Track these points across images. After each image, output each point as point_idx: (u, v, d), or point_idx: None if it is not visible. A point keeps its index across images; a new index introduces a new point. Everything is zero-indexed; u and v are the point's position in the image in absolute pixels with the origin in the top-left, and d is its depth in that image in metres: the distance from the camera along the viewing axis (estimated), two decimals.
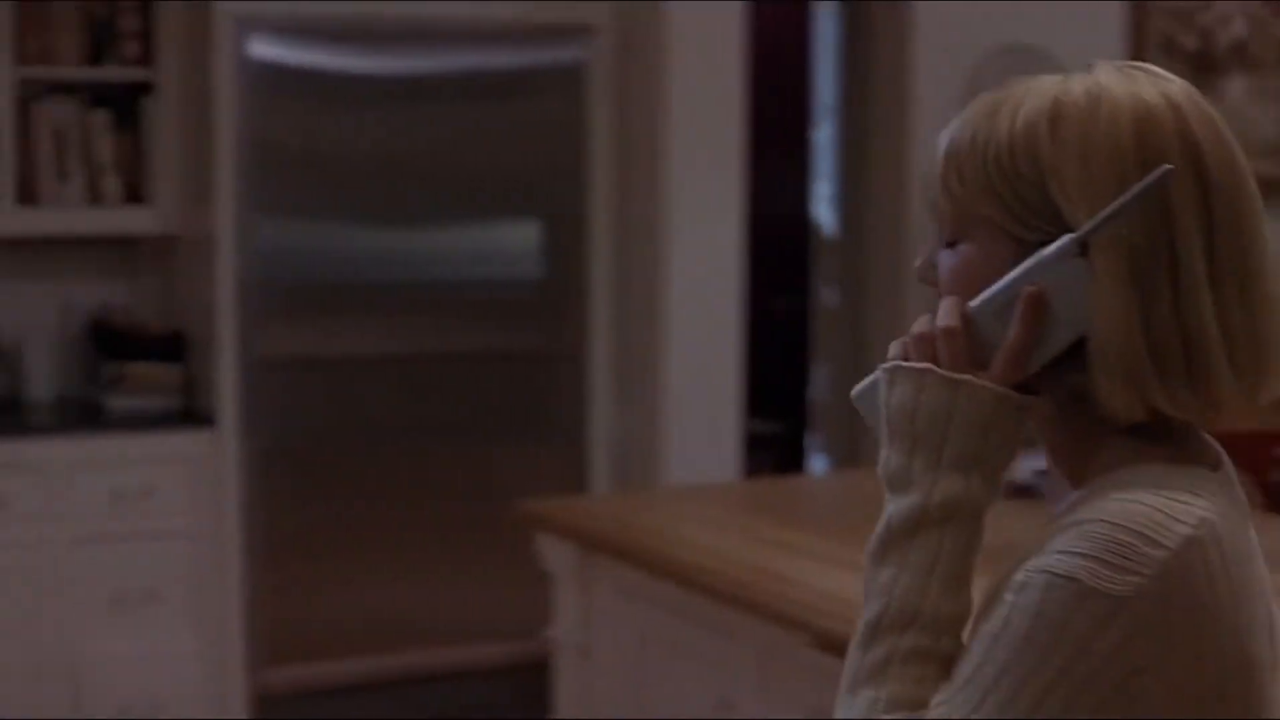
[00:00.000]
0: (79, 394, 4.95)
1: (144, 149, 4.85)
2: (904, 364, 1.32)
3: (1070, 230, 1.29)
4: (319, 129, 4.92)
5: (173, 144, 4.84)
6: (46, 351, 4.88)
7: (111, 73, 4.82)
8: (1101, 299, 1.28)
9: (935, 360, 1.31)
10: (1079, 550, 1.22)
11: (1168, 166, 1.27)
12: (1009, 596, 1.23)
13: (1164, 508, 1.23)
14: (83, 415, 4.81)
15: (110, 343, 4.89)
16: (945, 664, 1.26)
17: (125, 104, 4.81)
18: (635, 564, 3.38)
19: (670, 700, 3.37)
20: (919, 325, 1.33)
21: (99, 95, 4.81)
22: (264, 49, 4.78)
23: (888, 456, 1.32)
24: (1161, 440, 1.32)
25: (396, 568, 5.05)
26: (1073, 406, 1.32)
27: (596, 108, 5.13)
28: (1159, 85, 1.33)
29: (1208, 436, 1.37)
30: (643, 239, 5.11)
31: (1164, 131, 1.30)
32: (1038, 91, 1.34)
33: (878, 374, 1.36)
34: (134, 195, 4.85)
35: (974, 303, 1.33)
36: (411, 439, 5.09)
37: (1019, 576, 1.24)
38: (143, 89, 4.82)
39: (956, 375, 1.29)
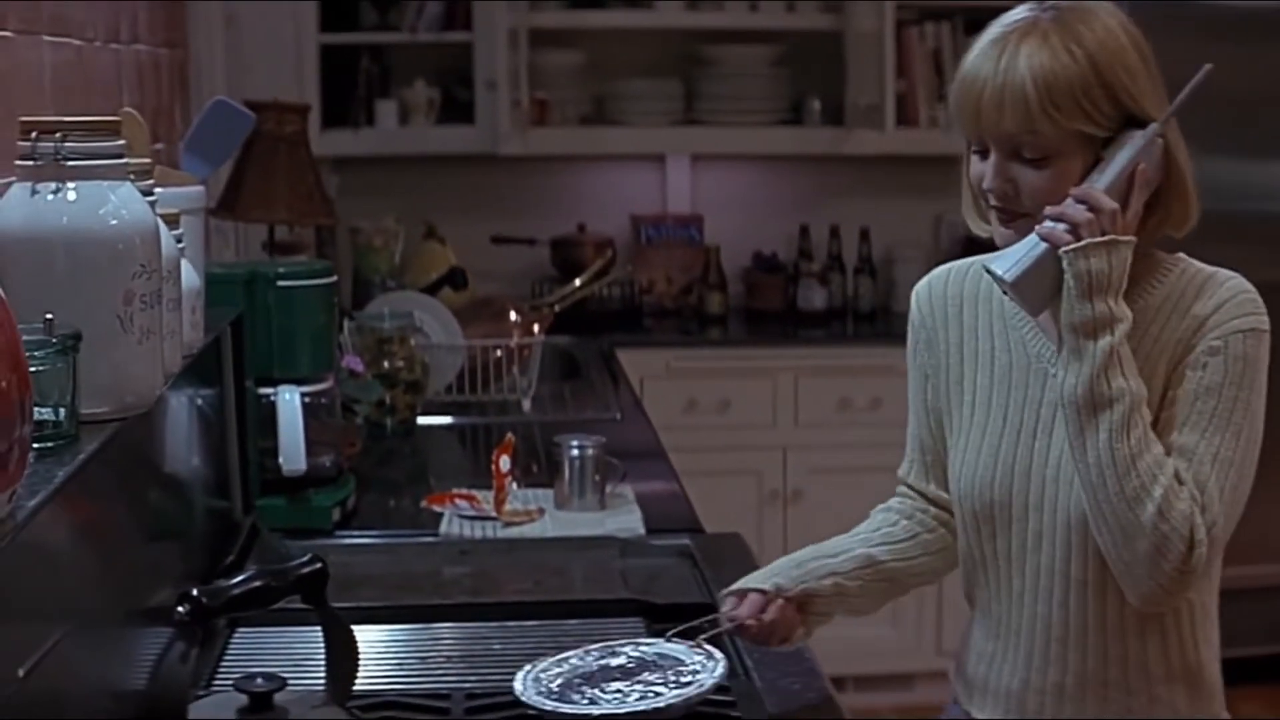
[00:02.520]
0: None
1: None
2: (1094, 240, 1.84)
3: (1136, 121, 1.88)
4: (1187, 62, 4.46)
5: None
6: (919, 265, 5.04)
7: None
8: (1175, 162, 1.91)
9: (1103, 232, 1.85)
10: (1246, 312, 1.90)
11: (1209, 66, 1.91)
12: (1209, 359, 1.88)
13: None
14: None
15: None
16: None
17: None
18: None
19: None
20: (1078, 212, 1.84)
21: (973, 20, 4.81)
22: None
23: (1086, 307, 1.84)
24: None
25: None
26: (1138, 233, 1.90)
27: None
28: (1116, 14, 1.92)
29: None
30: None
31: (1145, 44, 1.91)
32: (1074, 21, 1.87)
33: (1038, 255, 1.87)
34: None
35: (1101, 185, 1.86)
36: None
37: (1212, 343, 1.88)
38: None
39: (1124, 238, 1.86)
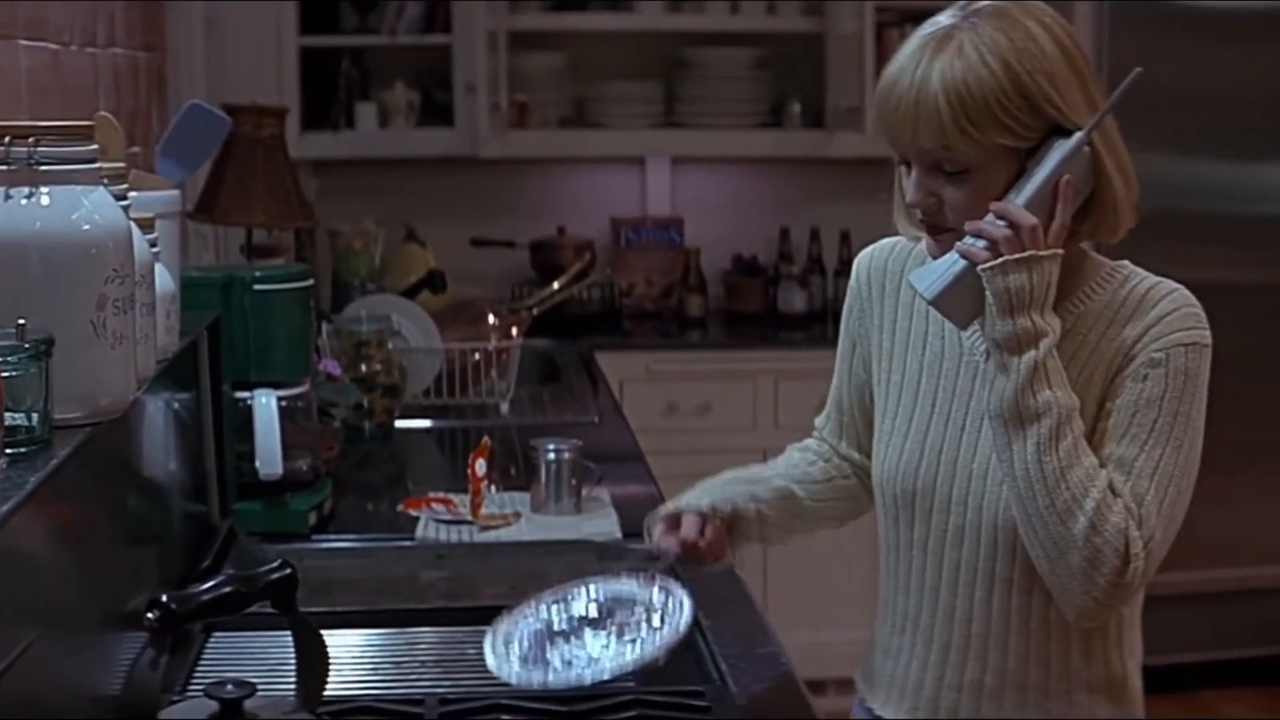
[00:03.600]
0: None
1: None
2: (1012, 257, 1.79)
3: (1059, 129, 1.81)
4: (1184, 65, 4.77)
5: None
6: None
7: None
8: (1105, 170, 1.84)
9: (1023, 248, 1.80)
10: (1189, 325, 1.86)
11: (1139, 70, 1.82)
12: (1150, 371, 1.84)
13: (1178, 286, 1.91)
14: None
15: None
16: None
17: None
18: None
19: None
20: (996, 229, 1.80)
21: None
22: None
23: (1008, 324, 1.80)
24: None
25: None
26: (1067, 243, 1.85)
27: None
28: (1044, 14, 1.85)
29: None
30: None
31: (1072, 44, 1.84)
32: (984, 27, 1.79)
33: (958, 271, 1.84)
34: None
35: (1021, 199, 1.81)
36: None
37: (1153, 355, 1.84)
38: None
39: (1045, 253, 1.81)
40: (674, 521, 2.06)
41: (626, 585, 1.96)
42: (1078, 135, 1.82)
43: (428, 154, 5.15)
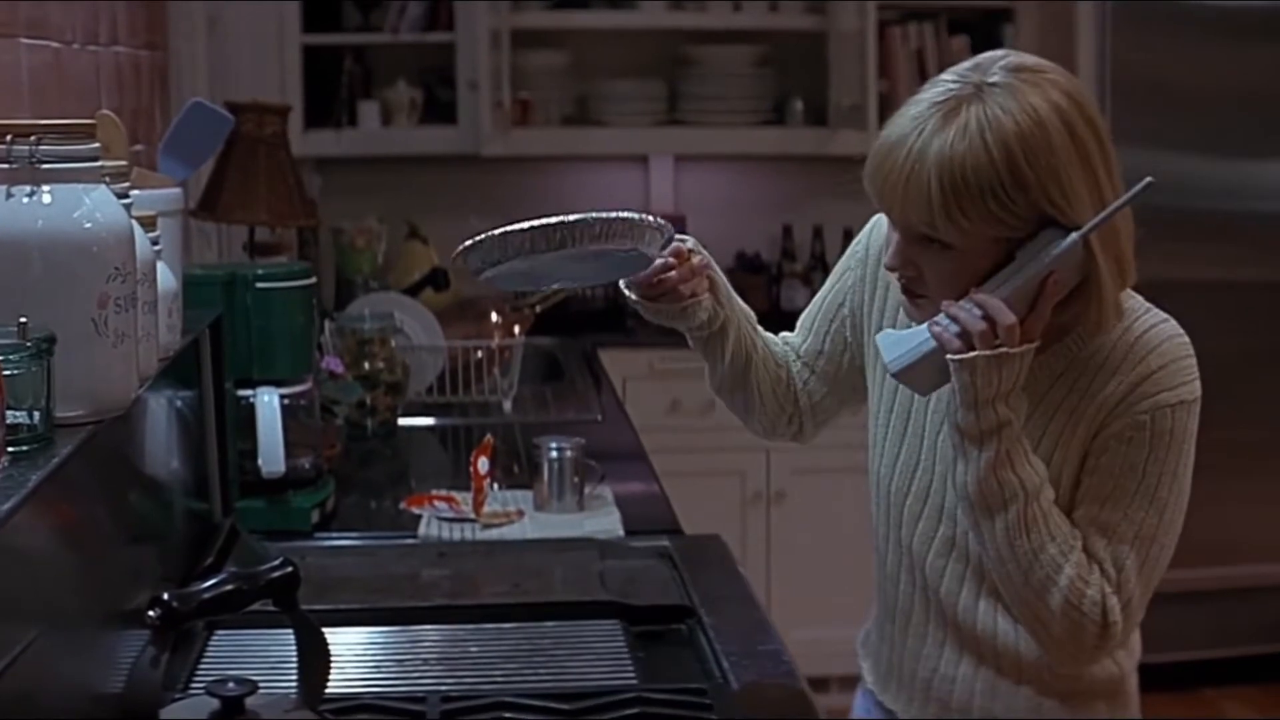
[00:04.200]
0: None
1: None
2: (983, 353, 1.74)
3: (1051, 221, 1.73)
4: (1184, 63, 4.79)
5: None
6: None
7: None
8: (1098, 267, 1.75)
9: (997, 343, 1.74)
10: (1178, 383, 1.81)
11: (1150, 180, 1.74)
12: (1134, 434, 1.79)
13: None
14: None
15: None
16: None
17: (983, 30, 4.80)
18: None
19: None
20: (971, 321, 1.74)
21: (956, 20, 4.83)
22: None
23: (971, 416, 1.76)
24: None
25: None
26: (1047, 332, 1.80)
27: None
28: (1057, 87, 1.74)
29: None
30: None
31: (1087, 127, 1.74)
32: (993, 104, 1.72)
33: (926, 350, 1.80)
34: None
35: (1004, 293, 1.75)
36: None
37: (1138, 417, 1.79)
38: (1003, 15, 4.78)
39: (1017, 350, 1.75)
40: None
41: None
42: (1073, 236, 1.74)
43: (430, 152, 5.16)
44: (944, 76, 1.78)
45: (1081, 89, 1.79)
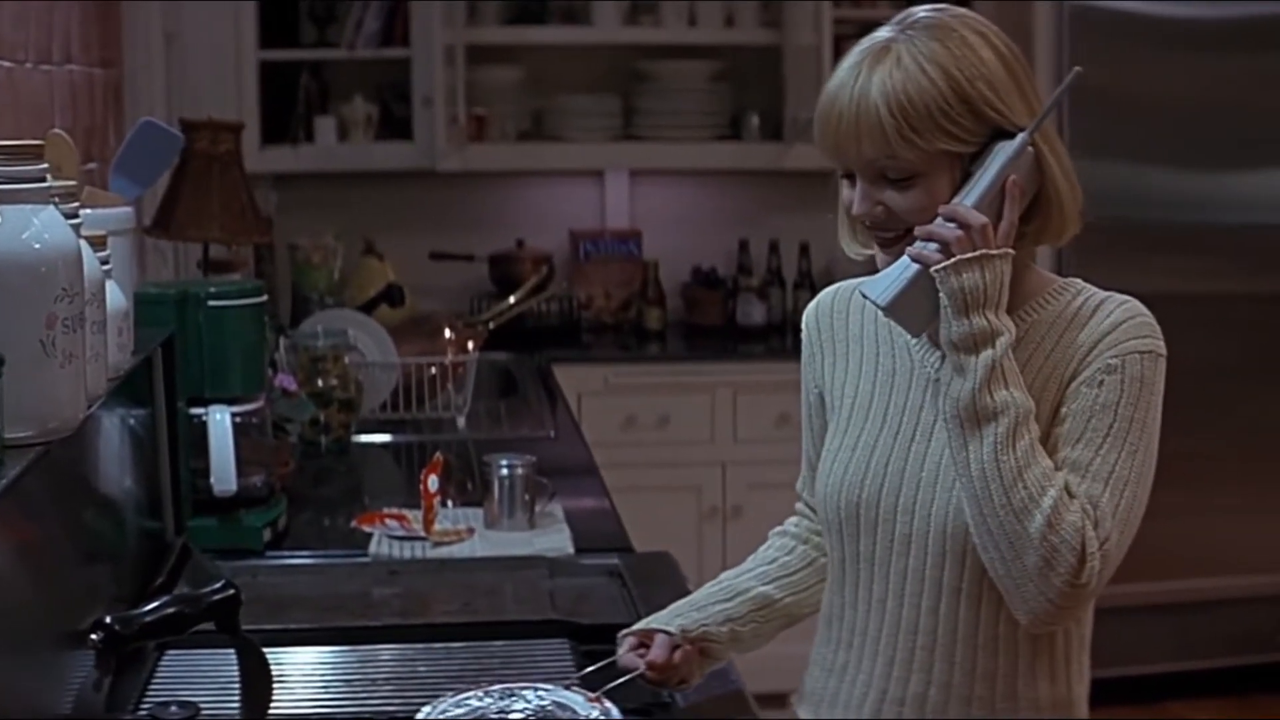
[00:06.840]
0: None
1: None
2: (964, 256, 1.81)
3: (1002, 132, 1.83)
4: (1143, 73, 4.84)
5: None
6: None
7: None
8: (1050, 171, 1.87)
9: (975, 247, 1.81)
10: (1144, 334, 1.87)
11: (1078, 69, 1.88)
12: (1106, 377, 1.84)
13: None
14: None
15: None
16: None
17: None
18: None
19: None
20: (947, 230, 1.81)
21: None
22: None
23: (964, 324, 1.81)
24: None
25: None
26: (1015, 245, 1.87)
27: None
28: (974, 21, 1.87)
29: None
30: None
31: (1007, 49, 1.86)
32: (921, 38, 1.83)
33: (910, 276, 1.84)
34: None
35: (970, 200, 1.83)
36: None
37: (1109, 361, 1.85)
38: None
39: (997, 251, 1.83)
40: (643, 639, 2.06)
41: (572, 698, 1.94)
42: (1021, 136, 1.84)
43: (387, 168, 5.16)
44: (871, 34, 1.89)
45: (998, 29, 1.90)
